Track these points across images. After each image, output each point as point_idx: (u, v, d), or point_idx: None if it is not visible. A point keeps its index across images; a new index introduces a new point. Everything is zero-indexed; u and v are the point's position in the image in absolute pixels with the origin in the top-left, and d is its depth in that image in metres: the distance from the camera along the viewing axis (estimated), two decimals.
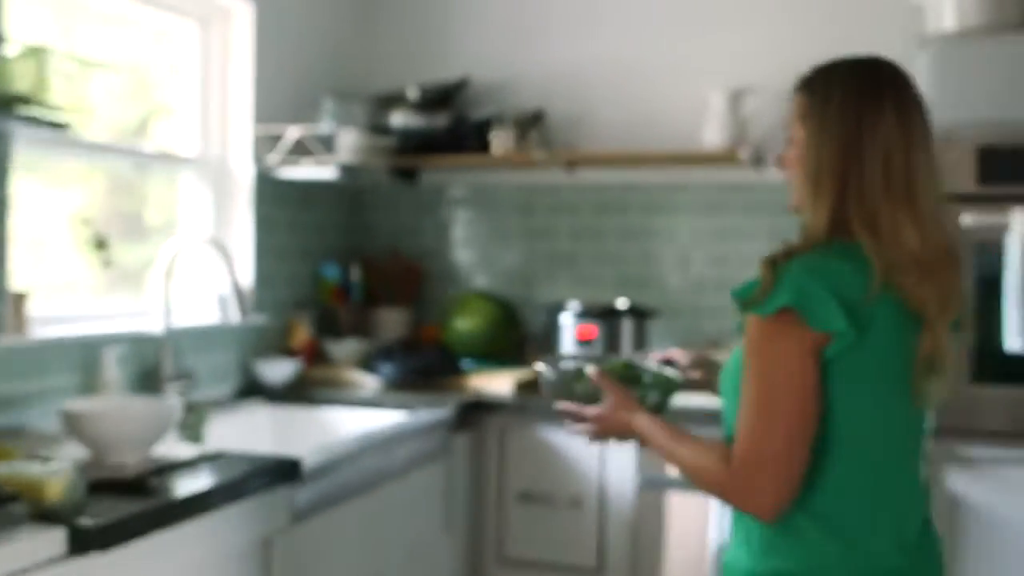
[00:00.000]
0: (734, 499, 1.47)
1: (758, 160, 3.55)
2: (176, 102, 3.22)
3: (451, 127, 3.70)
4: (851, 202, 1.45)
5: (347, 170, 3.40)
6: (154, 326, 2.83)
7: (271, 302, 3.45)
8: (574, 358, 1.93)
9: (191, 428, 2.73)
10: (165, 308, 2.82)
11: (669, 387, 1.73)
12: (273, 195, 3.44)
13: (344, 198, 3.92)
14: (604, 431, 1.67)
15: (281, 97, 3.46)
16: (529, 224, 3.83)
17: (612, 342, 3.15)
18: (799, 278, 1.41)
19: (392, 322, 3.75)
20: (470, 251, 3.93)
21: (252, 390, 3.24)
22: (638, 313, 3.24)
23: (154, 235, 3.14)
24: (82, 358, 2.61)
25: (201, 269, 3.22)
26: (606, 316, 3.19)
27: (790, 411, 1.40)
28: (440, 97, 3.70)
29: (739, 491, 1.45)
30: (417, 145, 3.68)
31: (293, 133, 3.31)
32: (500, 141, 3.62)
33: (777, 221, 3.58)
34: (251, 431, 3.04)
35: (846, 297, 1.40)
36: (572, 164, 3.71)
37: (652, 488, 2.94)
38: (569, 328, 3.20)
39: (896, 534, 1.47)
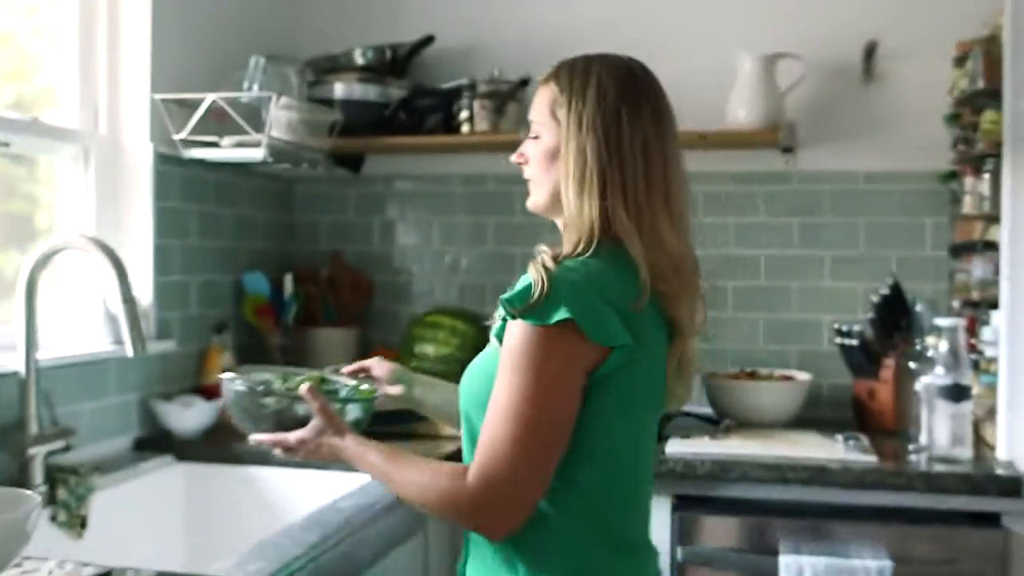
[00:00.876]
0: (471, 518, 1.40)
1: (789, 146, 2.87)
2: (57, 74, 2.41)
3: (408, 100, 2.94)
4: (615, 203, 1.43)
5: (279, 152, 2.62)
6: (12, 361, 2.03)
7: (179, 324, 2.65)
8: (266, 371, 1.77)
9: (68, 514, 1.96)
10: (28, 336, 2.01)
11: (369, 403, 1.67)
12: (181, 183, 2.64)
13: (274, 190, 3.13)
14: (309, 456, 1.55)
15: (192, 60, 2.66)
16: (506, 223, 3.08)
17: None
18: (578, 288, 1.36)
19: (335, 347, 2.97)
20: (432, 258, 3.18)
21: (157, 443, 2.44)
22: None
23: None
24: None
25: (82, 281, 2.41)
26: None
27: (549, 429, 1.36)
28: (394, 62, 2.94)
29: (477, 509, 1.37)
30: (365, 123, 2.91)
31: (206, 103, 2.51)
32: (470, 118, 2.87)
33: (814, 220, 2.94)
34: (155, 513, 2.25)
35: (622, 308, 1.38)
36: None
37: None
38: None
39: (647, 535, 1.56)
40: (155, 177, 2.53)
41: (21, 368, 2.02)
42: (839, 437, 2.39)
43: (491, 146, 2.91)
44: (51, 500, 2.02)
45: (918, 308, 2.58)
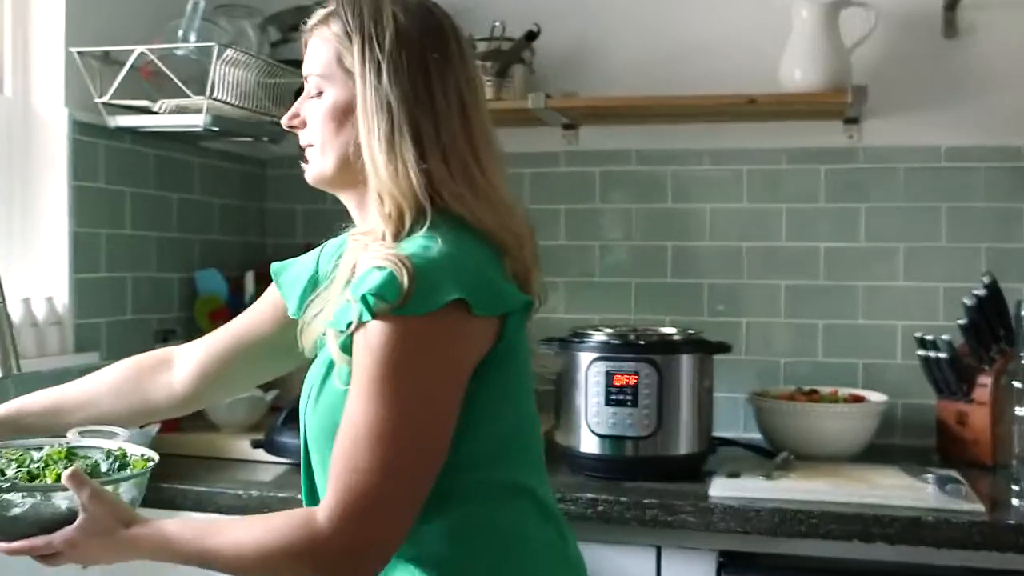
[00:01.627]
0: (335, 568, 1.11)
1: (853, 116, 2.37)
2: None
3: None
4: (435, 163, 1.21)
5: (227, 120, 2.12)
6: None
7: (107, 332, 2.16)
8: None
9: None
10: None
11: (144, 475, 1.34)
12: (109, 159, 2.16)
13: (236, 171, 2.64)
14: (85, 560, 1.23)
15: (120, 7, 2.18)
16: None
17: (665, 392, 1.90)
18: (454, 261, 1.15)
19: None
20: None
21: None
22: (699, 346, 1.99)
23: None
24: None
25: None
26: (650, 351, 1.93)
27: (432, 444, 1.14)
28: None
29: (343, 556, 1.11)
30: None
31: (133, 57, 2.02)
32: None
33: (883, 206, 2.42)
34: None
35: (501, 279, 1.21)
36: (574, 118, 2.49)
37: None
38: (592, 371, 1.93)
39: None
40: (72, 149, 2.05)
41: None
42: (929, 477, 1.87)
43: (492, 119, 2.40)
44: None
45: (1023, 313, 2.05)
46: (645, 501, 1.78)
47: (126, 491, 1.32)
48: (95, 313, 2.13)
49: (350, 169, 1.25)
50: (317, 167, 1.30)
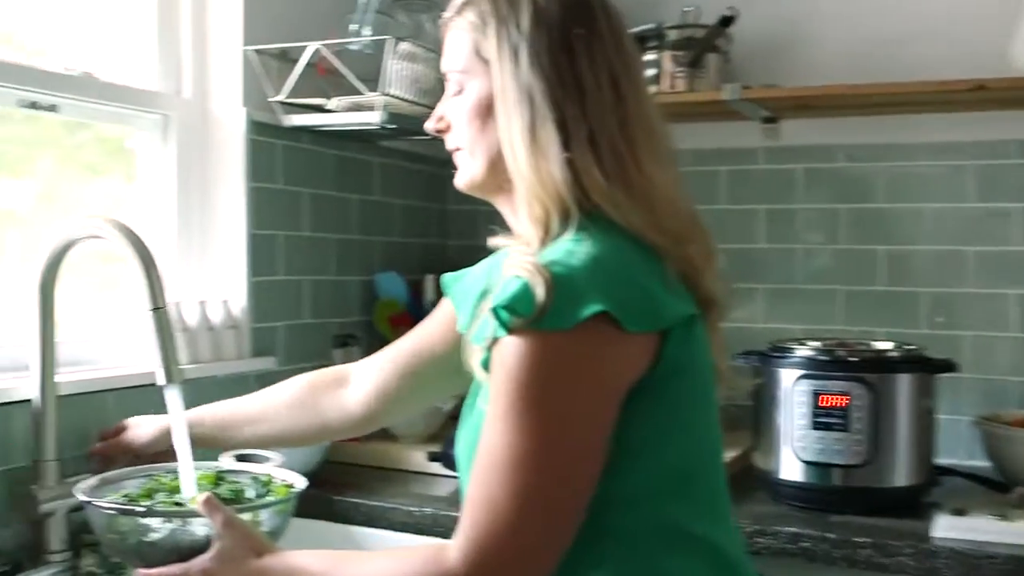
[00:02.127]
0: None
1: None
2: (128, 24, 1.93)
3: None
4: (584, 157, 1.06)
5: (403, 118, 2.03)
6: (25, 388, 1.53)
7: (284, 336, 2.11)
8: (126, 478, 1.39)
9: None
10: (44, 354, 1.51)
11: (286, 502, 1.30)
12: (287, 160, 2.11)
13: (417, 171, 2.56)
14: None
15: (299, 6, 2.12)
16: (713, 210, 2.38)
17: (880, 415, 1.68)
18: (598, 268, 1.00)
19: None
20: None
21: None
22: (920, 364, 1.76)
23: None
24: None
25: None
26: (863, 368, 1.72)
27: (575, 467, 1.00)
28: None
29: None
30: None
31: (308, 53, 1.96)
32: (658, 76, 2.21)
33: None
34: None
35: (659, 288, 1.04)
36: (775, 110, 2.28)
37: None
38: (796, 390, 1.73)
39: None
40: (249, 150, 2.01)
41: (36, 395, 1.52)
42: None
43: (685, 112, 2.24)
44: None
45: None
46: (857, 539, 1.57)
47: (268, 519, 1.27)
48: (272, 317, 2.08)
49: (501, 170, 1.12)
50: (467, 172, 1.18)
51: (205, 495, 1.20)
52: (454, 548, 1.00)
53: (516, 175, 1.10)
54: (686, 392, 1.07)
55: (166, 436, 1.43)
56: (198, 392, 1.83)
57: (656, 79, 2.21)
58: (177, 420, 1.38)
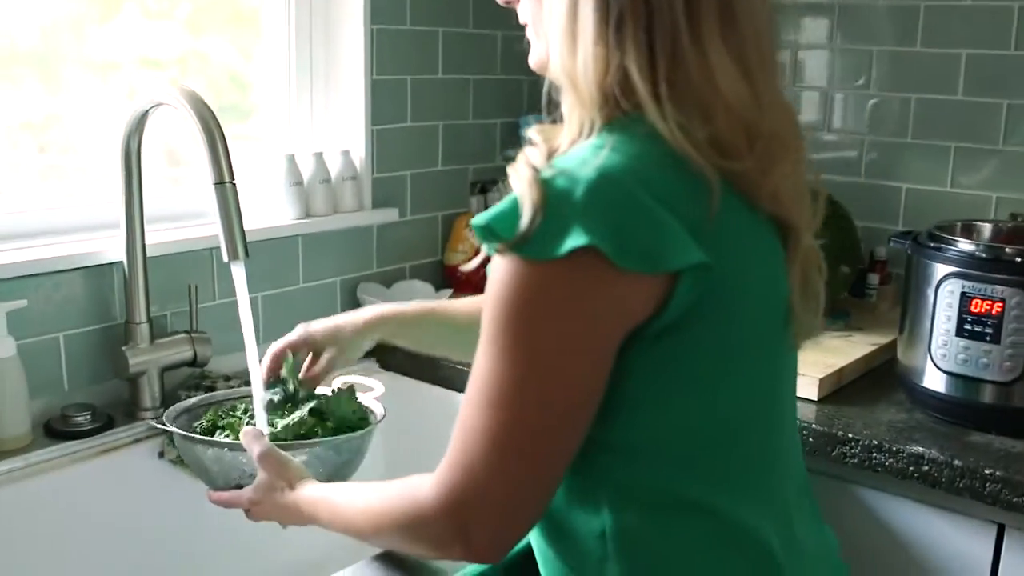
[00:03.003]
0: (442, 543, 0.92)
1: None
2: None
3: None
4: (628, 46, 0.88)
5: None
6: (113, 248, 1.54)
7: (413, 184, 2.04)
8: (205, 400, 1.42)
9: None
10: (128, 216, 1.50)
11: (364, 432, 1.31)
12: None
13: None
14: (264, 518, 1.20)
15: None
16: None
17: None
18: (597, 189, 0.84)
19: None
20: None
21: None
22: None
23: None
24: None
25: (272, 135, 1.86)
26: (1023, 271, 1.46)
27: (555, 409, 0.87)
28: None
29: (447, 529, 0.90)
30: None
31: None
32: None
33: None
34: None
35: (681, 211, 0.85)
36: None
37: None
38: (943, 289, 1.48)
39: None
40: None
41: (122, 256, 1.52)
42: None
43: None
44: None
45: None
46: (986, 471, 1.37)
47: (331, 452, 1.28)
48: (397, 166, 2.00)
49: None
50: (534, 52, 1.02)
51: (246, 428, 1.24)
52: (430, 481, 0.92)
53: (557, 65, 0.92)
54: (706, 346, 0.91)
55: (359, 333, 1.36)
56: (318, 245, 1.82)
57: None
58: (243, 299, 1.35)
